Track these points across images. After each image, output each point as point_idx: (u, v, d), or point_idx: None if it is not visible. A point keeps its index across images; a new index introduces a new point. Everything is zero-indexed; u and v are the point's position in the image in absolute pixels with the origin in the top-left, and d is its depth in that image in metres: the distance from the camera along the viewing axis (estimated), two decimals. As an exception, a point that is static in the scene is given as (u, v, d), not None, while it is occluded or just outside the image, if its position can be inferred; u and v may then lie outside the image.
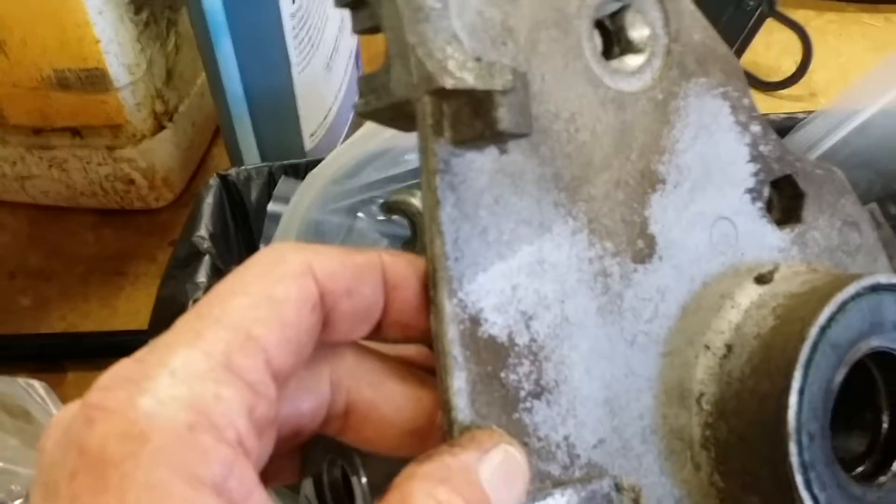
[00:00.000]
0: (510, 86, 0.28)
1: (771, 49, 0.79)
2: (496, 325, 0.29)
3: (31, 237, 0.76)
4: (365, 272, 0.29)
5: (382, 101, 0.30)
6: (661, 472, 0.32)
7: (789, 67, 0.78)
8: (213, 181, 0.55)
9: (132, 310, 0.71)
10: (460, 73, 0.28)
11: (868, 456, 0.34)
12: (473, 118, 0.28)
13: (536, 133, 0.30)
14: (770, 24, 0.77)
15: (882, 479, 0.33)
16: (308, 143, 0.68)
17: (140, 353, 0.25)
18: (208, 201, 0.54)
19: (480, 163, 0.29)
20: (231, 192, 0.56)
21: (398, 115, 0.31)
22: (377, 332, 0.30)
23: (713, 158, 0.34)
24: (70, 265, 0.74)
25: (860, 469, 0.34)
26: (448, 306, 0.28)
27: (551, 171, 0.31)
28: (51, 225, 0.76)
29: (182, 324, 0.26)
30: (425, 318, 0.29)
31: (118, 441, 0.23)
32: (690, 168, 0.34)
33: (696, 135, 0.34)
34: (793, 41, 0.77)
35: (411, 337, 0.30)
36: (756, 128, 0.35)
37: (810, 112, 0.54)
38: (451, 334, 0.28)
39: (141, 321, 0.69)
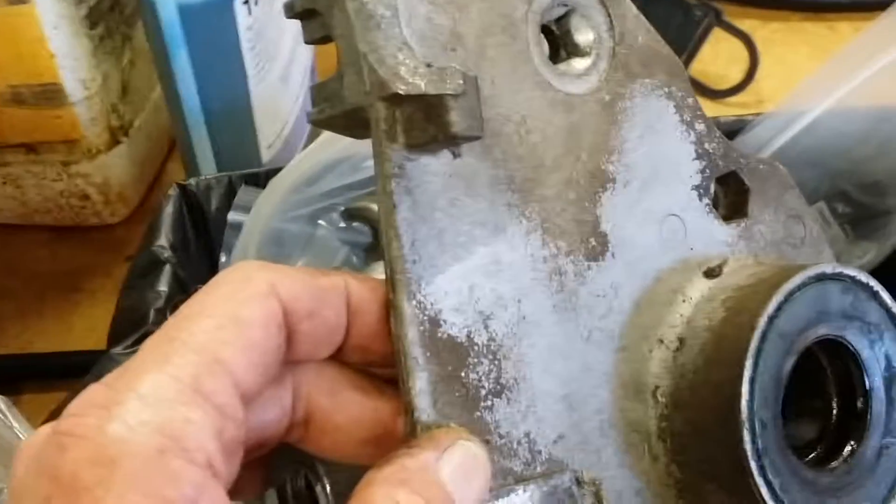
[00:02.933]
0: (461, 90, 0.29)
1: (718, 58, 0.81)
2: (455, 325, 0.30)
3: (-15, 255, 0.75)
4: (328, 295, 0.29)
5: (336, 108, 0.31)
6: (620, 464, 0.33)
7: (736, 76, 0.80)
8: (173, 191, 0.55)
9: (89, 326, 0.70)
10: (412, 79, 0.29)
11: (819, 442, 0.35)
12: (426, 122, 0.29)
13: (488, 136, 0.31)
14: (717, 33, 0.79)
15: (833, 464, 0.34)
16: (265, 155, 0.68)
17: (109, 378, 0.26)
18: (168, 211, 0.54)
19: (434, 166, 0.30)
20: (191, 202, 0.56)
21: (352, 123, 0.31)
22: (338, 354, 0.31)
23: (660, 157, 0.35)
24: (25, 282, 0.73)
25: (812, 455, 0.35)
26: (408, 308, 0.29)
27: (504, 173, 0.31)
28: (4, 242, 0.75)
29: (150, 347, 0.26)
30: (386, 343, 0.30)
31: (90, 467, 0.23)
32: (639, 167, 0.35)
33: (643, 134, 0.35)
34: (739, 50, 0.79)
35: (372, 361, 0.31)
36: (700, 126, 0.37)
37: (758, 114, 0.55)
38: (412, 336, 0.29)
39: (98, 337, 0.68)
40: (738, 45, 0.79)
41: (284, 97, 0.70)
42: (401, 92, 0.29)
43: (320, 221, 0.53)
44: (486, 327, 0.30)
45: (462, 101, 0.29)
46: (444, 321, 0.30)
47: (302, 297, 0.28)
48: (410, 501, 0.26)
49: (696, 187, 0.36)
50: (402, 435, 0.30)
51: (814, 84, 0.52)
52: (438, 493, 0.27)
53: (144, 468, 0.24)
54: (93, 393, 0.25)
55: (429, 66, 0.29)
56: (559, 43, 0.35)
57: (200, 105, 0.62)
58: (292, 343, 0.29)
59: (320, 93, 0.32)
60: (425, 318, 0.29)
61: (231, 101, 0.63)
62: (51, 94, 0.64)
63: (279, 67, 0.67)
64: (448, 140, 0.29)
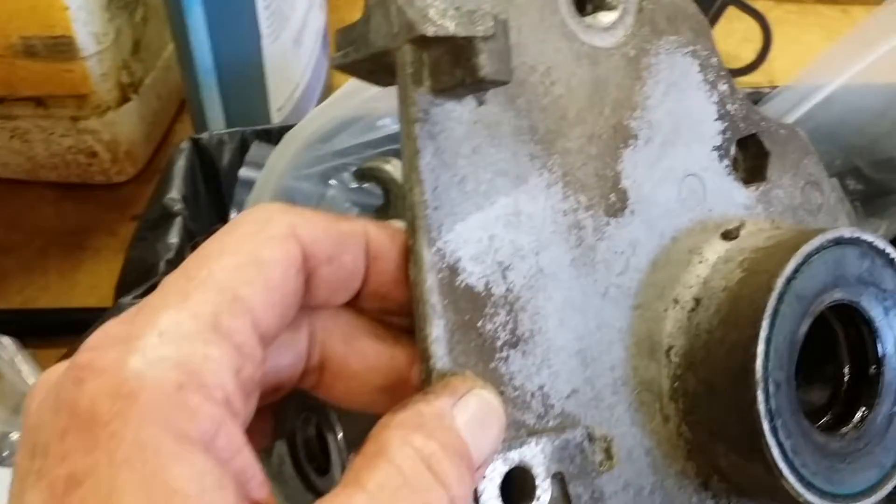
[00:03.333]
0: (491, 32, 0.28)
1: (732, 37, 0.81)
2: (473, 274, 0.30)
3: (-10, 210, 0.75)
4: (348, 241, 0.29)
5: (361, 52, 0.31)
6: (631, 422, 0.33)
7: (749, 55, 0.79)
8: (186, 144, 0.55)
9: (92, 283, 0.70)
10: (441, 21, 0.28)
11: (830, 408, 0.35)
12: (454, 66, 0.29)
13: (513, 85, 0.31)
14: (731, 12, 0.78)
15: (844, 429, 0.34)
16: (275, 117, 0.68)
17: (128, 314, 0.26)
18: (180, 164, 0.53)
19: (459, 112, 0.30)
20: (203, 156, 0.55)
21: (377, 67, 0.31)
22: (356, 301, 0.30)
23: (683, 115, 0.35)
24: (29, 238, 0.73)
25: (823, 420, 0.35)
26: (427, 255, 0.29)
27: (527, 124, 0.31)
28: (10, 198, 0.75)
29: (169, 284, 0.26)
30: (404, 290, 0.30)
31: (107, 400, 0.23)
32: (661, 124, 0.35)
33: (667, 91, 0.35)
34: (753, 29, 0.78)
35: (388, 309, 0.31)
36: (724, 86, 0.36)
37: (774, 87, 0.55)
38: (430, 282, 0.29)
39: (101, 295, 0.68)
40: (751, 25, 0.78)
41: (296, 60, 0.69)
42: (429, 34, 0.28)
43: (331, 181, 0.53)
44: (505, 278, 0.30)
45: (491, 44, 0.28)
46: (463, 269, 0.30)
47: (322, 241, 0.28)
48: (426, 446, 0.26)
49: (717, 148, 0.36)
50: (417, 383, 0.30)
51: (830, 59, 0.51)
52: (454, 439, 0.27)
53: (162, 402, 0.23)
54: (111, 327, 0.25)
55: (458, 7, 0.29)
56: (586, -5, 0.34)
57: (213, 63, 0.62)
58: (310, 287, 0.29)
59: (346, 36, 0.31)
60: (444, 265, 0.29)
61: (244, 61, 0.63)
62: (63, 47, 0.64)
63: (292, 30, 0.67)
64: (475, 84, 0.29)
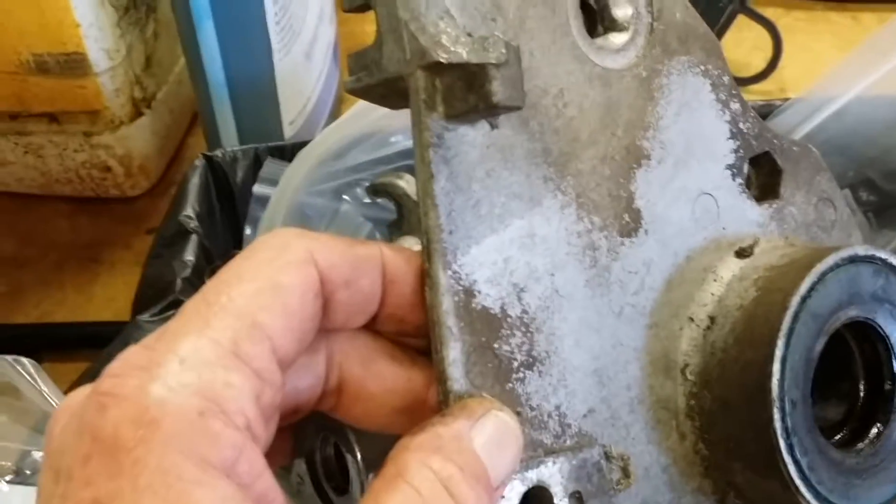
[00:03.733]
0: (504, 59, 0.29)
1: (741, 45, 0.81)
2: (489, 296, 0.30)
3: (5, 225, 0.75)
4: (365, 265, 0.29)
5: (374, 77, 0.31)
6: (648, 440, 0.33)
7: (759, 64, 0.79)
8: (199, 162, 0.55)
9: (108, 297, 0.70)
10: (454, 47, 0.29)
11: (845, 424, 0.35)
12: (467, 92, 0.29)
13: (526, 108, 0.31)
14: (741, 20, 0.78)
15: (860, 445, 0.34)
16: (288, 131, 0.68)
17: (149, 340, 0.26)
18: (194, 181, 0.54)
19: (472, 137, 0.30)
20: (217, 173, 0.56)
21: (390, 92, 0.31)
22: (372, 323, 0.31)
23: (695, 134, 0.35)
24: (45, 253, 0.73)
25: (838, 436, 0.35)
26: (443, 278, 0.29)
27: (540, 146, 0.31)
28: (25, 213, 0.76)
29: (189, 310, 0.27)
30: (420, 313, 0.30)
31: (131, 427, 0.24)
32: (674, 144, 0.35)
33: (679, 111, 0.35)
34: (763, 37, 0.78)
35: (405, 331, 0.31)
36: (736, 105, 0.37)
37: (786, 100, 0.55)
38: (446, 305, 0.29)
39: (117, 308, 0.68)
40: (761, 33, 0.78)
41: (308, 74, 0.69)
42: (442, 60, 0.28)
43: (345, 196, 0.53)
44: (520, 299, 0.31)
45: (504, 71, 0.29)
46: (479, 292, 0.30)
47: (339, 266, 0.29)
48: (444, 469, 0.27)
49: (730, 166, 0.36)
50: (434, 404, 0.30)
51: (842, 71, 0.51)
52: (472, 461, 0.27)
53: (184, 429, 0.24)
54: (133, 354, 0.26)
55: (470, 34, 0.29)
56: (597, 17, 0.34)
57: (224, 78, 0.62)
58: (328, 311, 0.29)
59: (358, 61, 0.32)
60: (460, 288, 0.29)
61: (255, 76, 0.63)
62: (75, 64, 0.64)
63: (303, 44, 0.67)
64: (488, 110, 0.29)
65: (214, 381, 0.25)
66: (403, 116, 0.31)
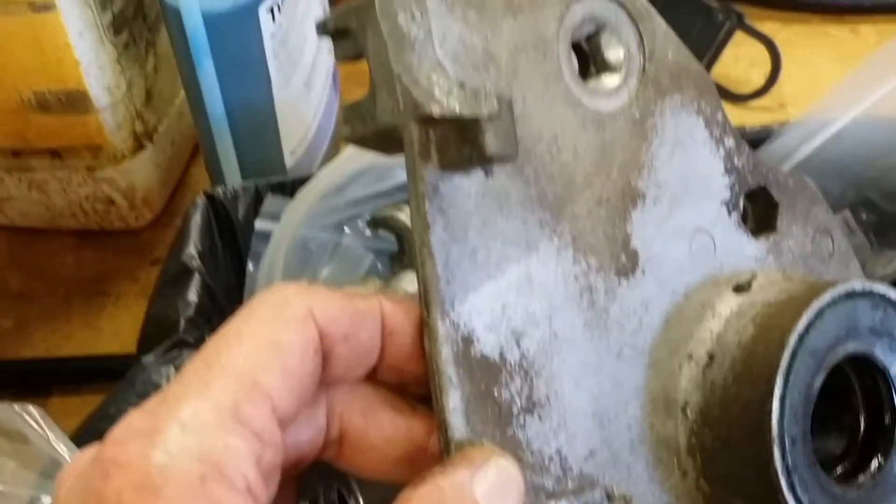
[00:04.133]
0: (496, 111, 0.29)
1: (740, 61, 0.81)
2: (488, 343, 0.30)
3: (11, 259, 0.76)
4: (364, 318, 0.30)
5: (369, 128, 0.31)
6: (650, 480, 0.33)
7: (758, 79, 0.79)
8: (200, 200, 0.55)
9: (115, 329, 0.71)
10: (447, 100, 0.29)
11: (846, 456, 0.35)
12: (461, 143, 0.29)
13: (520, 155, 0.31)
14: (739, 36, 0.78)
15: (861, 478, 0.34)
16: (289, 160, 0.69)
17: (150, 405, 0.26)
18: (196, 220, 0.54)
19: (467, 186, 0.30)
20: (218, 211, 0.56)
21: (384, 141, 0.32)
22: (372, 374, 0.31)
23: (690, 172, 0.35)
24: (51, 286, 0.74)
25: (839, 470, 0.35)
26: (441, 328, 0.29)
27: (536, 192, 0.32)
28: (30, 246, 0.76)
29: (190, 372, 0.27)
30: (420, 364, 0.30)
31: (133, 494, 0.24)
32: (669, 183, 0.35)
33: (673, 150, 0.35)
34: (761, 53, 0.78)
35: (405, 382, 0.31)
36: (730, 141, 0.37)
37: (784, 123, 0.55)
38: (445, 354, 0.29)
39: (124, 341, 0.69)
40: (759, 49, 0.78)
41: (307, 103, 0.70)
42: (435, 113, 0.29)
43: (346, 229, 0.53)
44: (519, 345, 0.31)
45: (497, 123, 0.29)
46: (478, 339, 0.30)
47: (338, 320, 0.29)
48: None
49: (726, 202, 0.36)
50: (435, 453, 0.30)
51: (840, 93, 0.51)
52: None
53: (186, 495, 0.24)
54: (134, 419, 0.26)
55: (462, 86, 0.29)
56: (589, 60, 0.35)
57: (225, 112, 0.63)
58: (328, 365, 0.29)
59: (352, 111, 0.32)
60: (458, 336, 0.30)
61: (255, 108, 0.64)
62: (76, 101, 0.65)
63: (302, 73, 0.68)
64: (482, 161, 0.29)
65: (215, 445, 0.25)
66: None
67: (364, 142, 0.32)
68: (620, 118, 0.34)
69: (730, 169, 0.37)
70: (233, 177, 0.66)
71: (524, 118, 0.31)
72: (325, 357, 0.29)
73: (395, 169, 0.52)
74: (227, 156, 0.65)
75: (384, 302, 0.30)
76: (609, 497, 0.32)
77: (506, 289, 0.31)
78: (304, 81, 0.68)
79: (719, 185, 0.36)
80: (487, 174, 0.31)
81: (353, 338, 0.29)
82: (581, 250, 0.32)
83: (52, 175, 0.70)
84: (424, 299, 0.30)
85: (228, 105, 0.62)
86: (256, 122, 0.65)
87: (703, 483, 0.34)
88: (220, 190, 0.57)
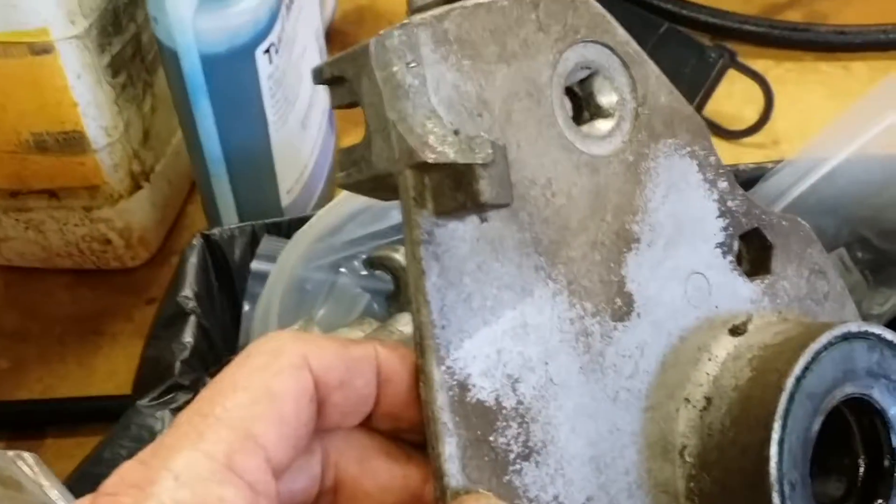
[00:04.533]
0: (490, 159, 0.29)
1: (733, 98, 0.81)
2: (484, 389, 0.30)
3: (7, 299, 0.76)
4: (359, 366, 0.30)
5: (364, 174, 0.31)
6: None
7: (751, 116, 0.80)
8: (197, 241, 0.56)
9: (110, 369, 0.71)
10: (441, 148, 0.29)
11: (846, 500, 0.35)
12: (455, 190, 0.29)
13: (515, 200, 0.31)
14: (731, 74, 0.79)
15: (862, 522, 0.34)
16: (285, 200, 0.69)
17: (144, 455, 0.26)
18: (192, 261, 0.54)
19: (462, 232, 0.30)
20: (214, 252, 0.56)
21: (380, 187, 0.32)
22: (368, 422, 0.31)
23: (684, 215, 0.36)
24: (47, 326, 0.74)
25: (840, 514, 0.35)
26: (437, 374, 0.29)
27: (530, 236, 0.32)
28: (26, 286, 0.76)
29: (184, 422, 0.27)
30: (415, 410, 0.30)
31: None
32: (663, 226, 0.35)
33: (667, 193, 0.35)
34: (754, 90, 0.79)
35: (401, 428, 0.31)
36: (723, 184, 0.37)
37: (778, 161, 0.55)
38: (441, 401, 0.29)
39: (119, 381, 0.68)
40: (752, 85, 0.79)
41: (304, 142, 0.70)
42: (430, 160, 0.29)
43: (342, 269, 0.53)
44: (515, 390, 0.31)
45: (491, 170, 0.29)
46: (473, 385, 0.30)
47: (333, 368, 0.29)
48: None
49: (720, 245, 0.36)
50: (431, 501, 0.30)
51: (833, 132, 0.52)
52: None
53: None
54: (128, 471, 0.26)
55: (456, 133, 0.30)
56: (582, 104, 0.35)
57: (222, 152, 0.63)
58: (323, 413, 0.29)
59: (348, 157, 0.32)
60: (454, 382, 0.29)
61: (252, 149, 0.64)
62: (74, 142, 0.65)
63: (299, 113, 0.68)
64: (477, 208, 0.30)
65: (208, 496, 0.25)
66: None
67: (359, 187, 0.33)
68: (614, 162, 0.34)
69: (724, 211, 0.37)
70: (229, 216, 0.67)
71: (518, 163, 0.32)
72: (321, 405, 0.29)
73: (390, 210, 0.52)
74: (223, 195, 0.65)
75: (379, 349, 0.30)
76: None
77: (501, 334, 0.31)
78: (300, 121, 0.69)
79: (713, 228, 0.36)
80: (482, 220, 0.31)
81: (349, 385, 0.29)
82: (576, 294, 0.33)
83: (49, 215, 0.70)
84: (420, 346, 0.30)
85: (225, 145, 0.63)
86: (253, 162, 0.65)
87: (702, 528, 0.34)
88: (216, 231, 0.57)
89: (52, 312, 0.74)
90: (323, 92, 0.74)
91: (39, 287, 0.76)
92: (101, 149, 0.66)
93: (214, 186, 0.64)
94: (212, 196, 0.66)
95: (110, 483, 0.25)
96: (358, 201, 0.51)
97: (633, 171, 0.35)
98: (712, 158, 0.37)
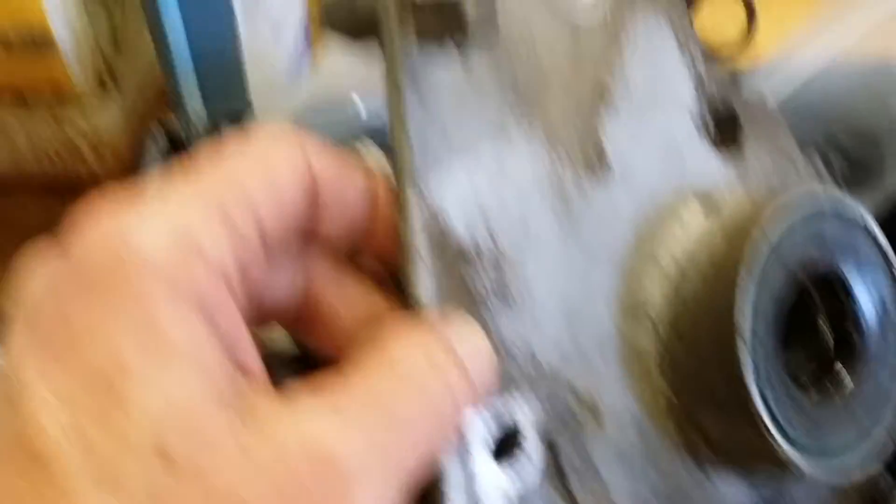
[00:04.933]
0: None
1: (714, 20, 0.81)
2: (459, 226, 0.30)
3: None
4: (352, 173, 0.29)
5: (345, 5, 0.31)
6: (618, 387, 0.33)
7: (733, 39, 0.79)
8: (157, 131, 0.54)
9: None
10: None
11: (815, 375, 0.35)
12: (439, 14, 0.29)
13: (497, 49, 0.31)
14: (712, -4, 0.78)
15: (828, 396, 0.34)
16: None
17: (133, 189, 0.25)
18: (153, 152, 0.53)
19: (443, 63, 0.30)
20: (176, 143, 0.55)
21: (360, 24, 0.31)
22: (357, 255, 0.30)
23: (661, 84, 0.35)
24: (18, 240, 0.72)
25: (808, 388, 0.35)
26: (412, 198, 0.29)
27: (509, 82, 0.31)
28: (-1, 199, 0.75)
29: (178, 170, 0.25)
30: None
31: (105, 256, 0.23)
32: (638, 87, 0.35)
33: (644, 58, 0.35)
34: (736, 13, 0.78)
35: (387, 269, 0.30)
36: (698, 55, 0.37)
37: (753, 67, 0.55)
38: (416, 226, 0.28)
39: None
40: (734, 9, 0.78)
41: (275, 54, 0.69)
42: None
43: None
44: (490, 234, 0.30)
45: None
46: (449, 217, 0.29)
47: (328, 167, 0.28)
48: (433, 354, 0.26)
49: (694, 119, 0.36)
50: None
51: (809, 36, 0.51)
52: (455, 362, 0.27)
53: (163, 263, 0.23)
54: (110, 192, 0.25)
55: None
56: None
57: (190, 55, 0.62)
58: (313, 218, 0.28)
59: None
60: (429, 211, 0.29)
61: (221, 52, 0.62)
62: (39, 41, 0.63)
63: (270, 24, 0.67)
64: (461, 31, 0.29)
65: (195, 225, 0.24)
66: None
67: (341, 25, 0.32)
68: (596, 28, 0.34)
69: (699, 87, 0.37)
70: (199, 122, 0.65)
71: (504, 15, 0.31)
72: (312, 206, 0.28)
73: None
74: (192, 100, 0.64)
75: (371, 170, 0.30)
76: (577, 397, 0.31)
77: (478, 174, 0.30)
78: (272, 33, 0.67)
79: (689, 102, 0.36)
80: (464, 55, 0.30)
81: (341, 192, 0.28)
82: (553, 147, 0.32)
83: (17, 118, 0.69)
84: (397, 172, 0.29)
85: (193, 48, 0.61)
86: (222, 67, 0.63)
87: (672, 396, 0.34)
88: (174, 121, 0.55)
89: (24, 224, 0.73)
90: (297, 11, 0.73)
91: (9, 198, 0.74)
92: (68, 50, 0.64)
93: (182, 90, 0.63)
94: (181, 101, 0.64)
95: (91, 203, 0.24)
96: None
97: (614, 39, 0.34)
98: (690, 30, 0.37)
